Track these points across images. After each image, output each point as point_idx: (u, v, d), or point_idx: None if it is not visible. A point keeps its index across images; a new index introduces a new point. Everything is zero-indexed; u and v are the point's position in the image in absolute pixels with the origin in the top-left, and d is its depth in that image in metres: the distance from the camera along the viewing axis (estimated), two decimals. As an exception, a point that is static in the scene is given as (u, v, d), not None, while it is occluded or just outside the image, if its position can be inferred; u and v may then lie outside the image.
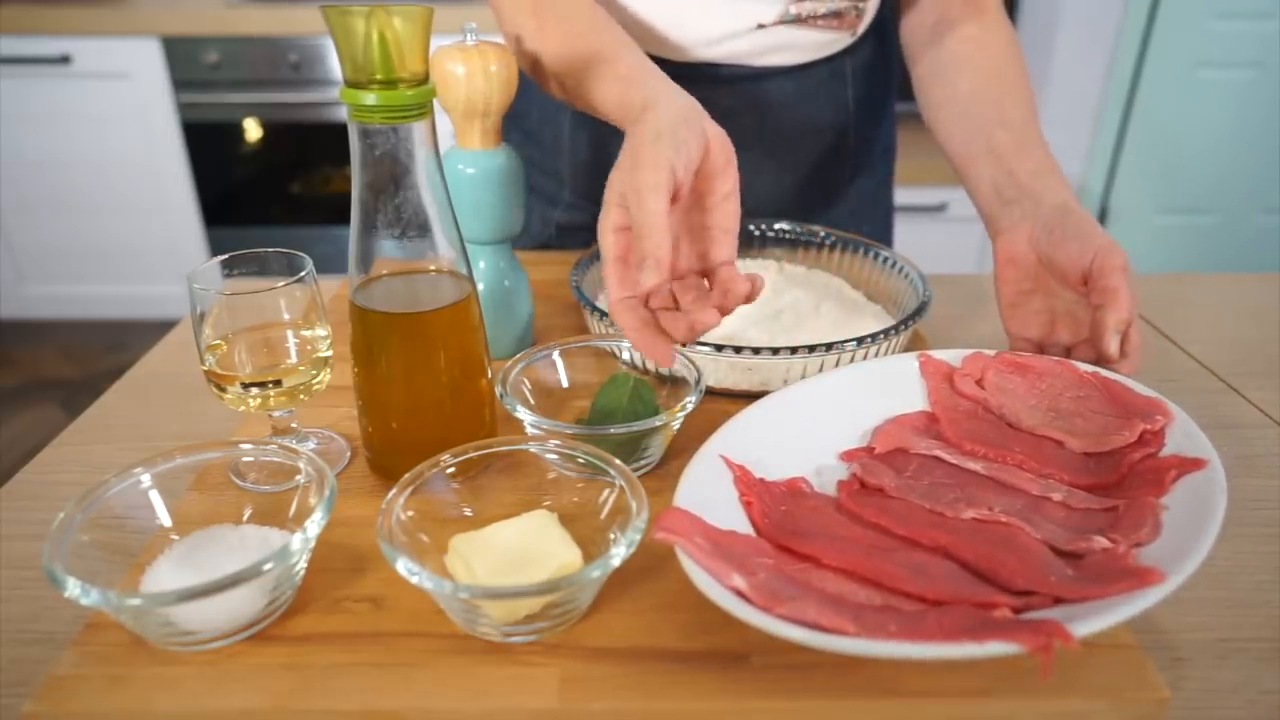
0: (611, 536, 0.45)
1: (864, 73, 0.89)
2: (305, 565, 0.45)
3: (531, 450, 0.49)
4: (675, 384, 0.59)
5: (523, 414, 0.53)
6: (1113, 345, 0.57)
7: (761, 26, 0.78)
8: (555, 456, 0.49)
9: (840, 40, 0.83)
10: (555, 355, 0.60)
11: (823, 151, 0.90)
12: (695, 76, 0.80)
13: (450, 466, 0.47)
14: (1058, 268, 0.62)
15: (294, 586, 0.45)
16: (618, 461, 0.47)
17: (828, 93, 0.87)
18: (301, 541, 0.41)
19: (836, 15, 0.79)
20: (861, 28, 0.83)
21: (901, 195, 2.40)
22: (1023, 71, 0.76)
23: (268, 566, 0.40)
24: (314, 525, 0.42)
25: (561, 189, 0.92)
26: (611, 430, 0.51)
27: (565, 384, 0.60)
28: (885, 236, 1.01)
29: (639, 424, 0.52)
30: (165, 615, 0.41)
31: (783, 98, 0.84)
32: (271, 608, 0.43)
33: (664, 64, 0.73)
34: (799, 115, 0.86)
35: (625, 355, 0.62)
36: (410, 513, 0.45)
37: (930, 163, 2.28)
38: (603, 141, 0.86)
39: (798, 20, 0.78)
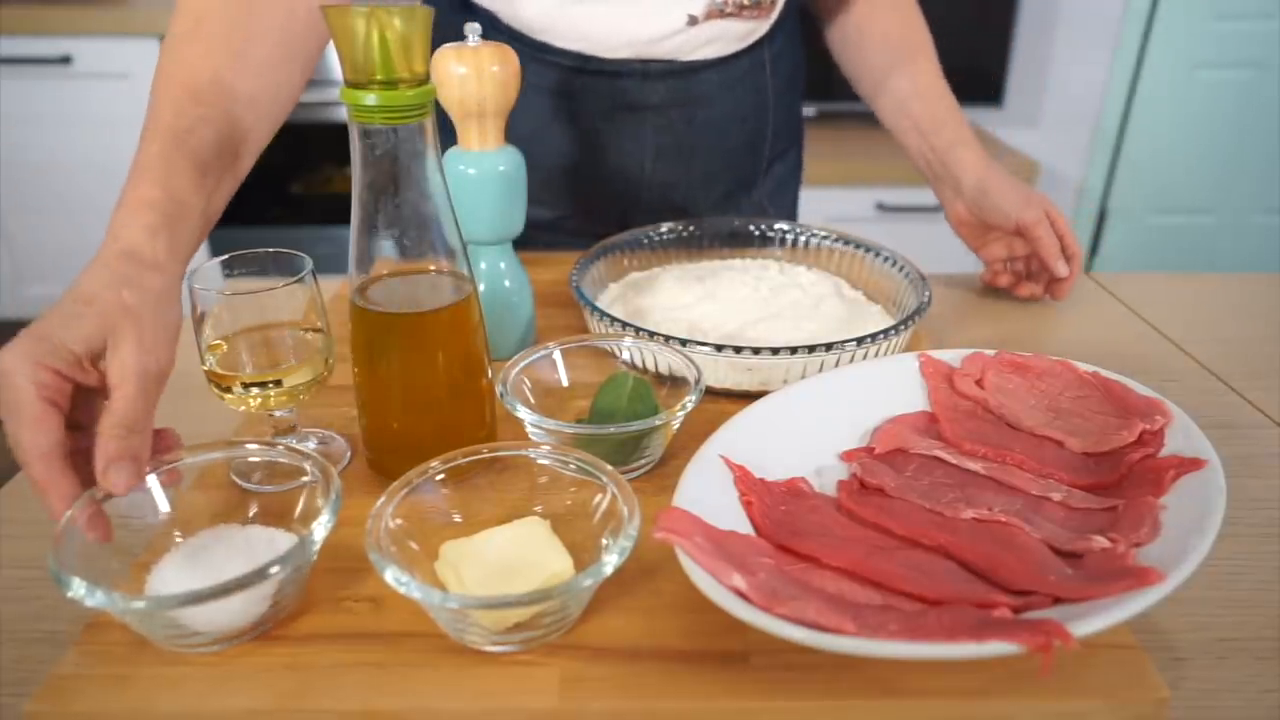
0: (604, 543, 0.44)
1: (778, 62, 0.93)
2: (310, 567, 0.45)
3: (523, 455, 0.49)
4: (675, 384, 0.59)
5: (523, 413, 0.53)
6: (1060, 268, 0.80)
7: (693, 21, 0.80)
8: (547, 461, 0.49)
9: (759, 28, 0.86)
10: (555, 355, 0.60)
11: (745, 139, 0.93)
12: (629, 73, 0.83)
13: (440, 473, 0.47)
14: (994, 230, 0.84)
15: (299, 587, 0.45)
16: (609, 467, 0.46)
17: (750, 83, 0.91)
18: (307, 544, 0.41)
19: (756, 5, 0.83)
20: (775, 14, 0.86)
21: (902, 195, 2.41)
22: (922, 26, 0.89)
23: (274, 571, 0.39)
24: (320, 529, 0.42)
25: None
26: (611, 429, 0.51)
27: (565, 383, 0.60)
28: (794, 217, 1.06)
29: (638, 423, 0.52)
30: (169, 617, 0.41)
31: (710, 89, 0.87)
32: (276, 609, 0.43)
33: (600, 62, 0.81)
34: (724, 105, 0.89)
35: (625, 355, 0.62)
36: (399, 520, 0.44)
37: (930, 163, 2.28)
38: (586, 140, 0.87)
39: (723, 13, 0.81)
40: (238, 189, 0.59)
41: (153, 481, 0.47)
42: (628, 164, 0.88)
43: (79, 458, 0.43)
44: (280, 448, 0.48)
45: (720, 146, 0.91)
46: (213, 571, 0.42)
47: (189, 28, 0.58)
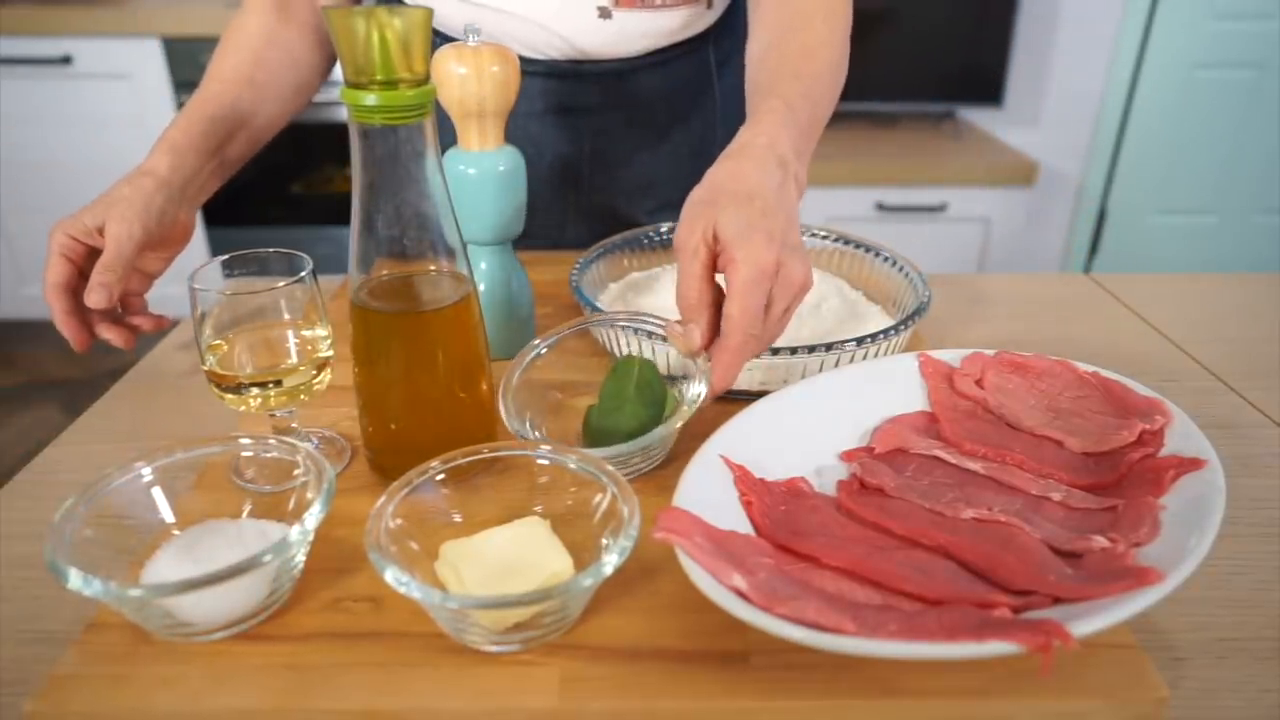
0: (604, 543, 0.44)
1: (727, 67, 0.90)
2: (304, 558, 0.45)
3: (523, 455, 0.49)
4: (678, 383, 0.59)
5: (528, 433, 0.53)
6: (679, 328, 0.54)
7: (605, 13, 0.78)
8: (547, 461, 0.49)
9: (696, 18, 0.83)
10: (554, 352, 0.60)
11: (690, 144, 0.91)
12: (562, 74, 0.82)
13: (440, 473, 0.47)
14: None
15: (292, 580, 0.45)
16: (609, 467, 0.46)
17: (693, 87, 0.89)
18: (300, 534, 0.41)
19: None
20: (705, 6, 0.83)
21: (901, 195, 2.41)
22: (804, 50, 0.66)
23: (267, 558, 0.40)
24: (312, 518, 0.42)
25: None
26: (621, 449, 0.51)
27: (568, 383, 0.60)
28: None
29: (643, 439, 0.52)
30: (165, 607, 0.41)
31: (648, 92, 0.86)
32: (271, 600, 0.43)
33: (529, 63, 0.80)
34: (665, 108, 0.88)
35: (628, 349, 0.62)
36: (399, 520, 0.44)
37: (930, 162, 2.29)
38: (520, 144, 0.86)
39: (639, 3, 0.78)
40: (252, 154, 0.78)
41: (151, 477, 0.47)
42: (564, 168, 0.88)
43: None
44: (273, 441, 0.48)
45: (661, 150, 0.90)
46: (207, 562, 0.42)
47: (228, 35, 0.79)
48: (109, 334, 0.66)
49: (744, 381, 0.63)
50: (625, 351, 0.62)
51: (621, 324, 0.61)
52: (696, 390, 0.54)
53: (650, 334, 0.61)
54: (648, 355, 0.61)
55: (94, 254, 0.65)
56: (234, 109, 0.74)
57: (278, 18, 0.78)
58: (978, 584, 0.41)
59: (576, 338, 0.62)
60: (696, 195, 0.54)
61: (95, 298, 0.62)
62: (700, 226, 0.52)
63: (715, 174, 0.55)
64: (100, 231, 0.64)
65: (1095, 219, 2.60)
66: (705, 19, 0.84)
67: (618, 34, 0.80)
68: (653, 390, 0.56)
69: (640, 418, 0.55)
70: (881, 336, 0.62)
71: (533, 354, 0.59)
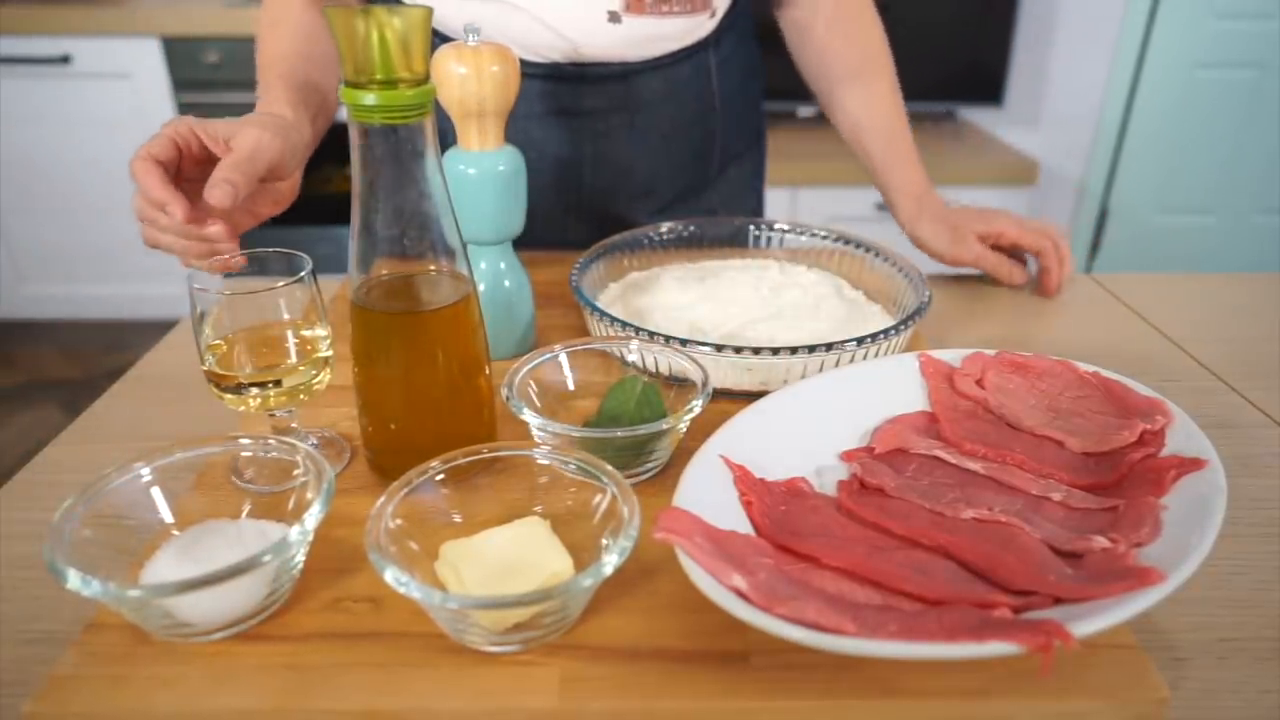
0: (604, 543, 0.44)
1: (727, 67, 0.90)
2: (304, 558, 0.45)
3: (523, 455, 0.49)
4: (682, 385, 0.59)
5: (529, 417, 0.52)
6: (1016, 278, 0.87)
7: (614, 17, 0.78)
8: (547, 461, 0.49)
9: (699, 24, 0.83)
10: (561, 357, 0.60)
11: (690, 145, 0.91)
12: (564, 76, 0.82)
13: (440, 473, 0.47)
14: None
15: (292, 580, 0.45)
16: (609, 467, 0.46)
17: (694, 89, 0.89)
18: (299, 534, 0.41)
19: None
20: (710, 10, 0.83)
21: (901, 195, 2.38)
22: (880, 42, 0.89)
23: (266, 559, 0.40)
24: (311, 518, 0.42)
25: None
26: (618, 433, 0.51)
27: (571, 386, 0.60)
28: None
29: (644, 427, 0.52)
30: (164, 607, 0.41)
31: (650, 95, 0.86)
32: (270, 600, 0.43)
33: (531, 65, 0.81)
34: (666, 111, 0.88)
35: (632, 358, 0.62)
36: (399, 520, 0.44)
37: (930, 162, 2.28)
38: (520, 147, 0.86)
39: (648, 8, 0.78)
40: (326, 129, 0.76)
41: (150, 477, 0.47)
42: (564, 171, 0.88)
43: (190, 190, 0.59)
44: (273, 441, 0.48)
45: (663, 153, 0.90)
46: (206, 563, 0.42)
47: (272, 19, 0.77)
48: (215, 225, 0.59)
49: (744, 381, 0.63)
50: (633, 359, 0.62)
51: (634, 345, 0.61)
52: (699, 399, 0.54)
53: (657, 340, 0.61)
54: (654, 364, 0.61)
55: (203, 162, 0.60)
56: (307, 80, 0.73)
57: (316, 7, 0.78)
58: (978, 584, 0.41)
59: (582, 340, 0.62)
60: (936, 231, 0.85)
61: (219, 194, 0.55)
62: (968, 238, 0.84)
63: (931, 212, 0.86)
64: (228, 143, 0.59)
65: (1096, 219, 2.60)
66: (708, 24, 0.85)
67: (624, 39, 0.80)
68: (652, 409, 0.56)
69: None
70: (881, 336, 0.62)
71: (537, 360, 0.59)
